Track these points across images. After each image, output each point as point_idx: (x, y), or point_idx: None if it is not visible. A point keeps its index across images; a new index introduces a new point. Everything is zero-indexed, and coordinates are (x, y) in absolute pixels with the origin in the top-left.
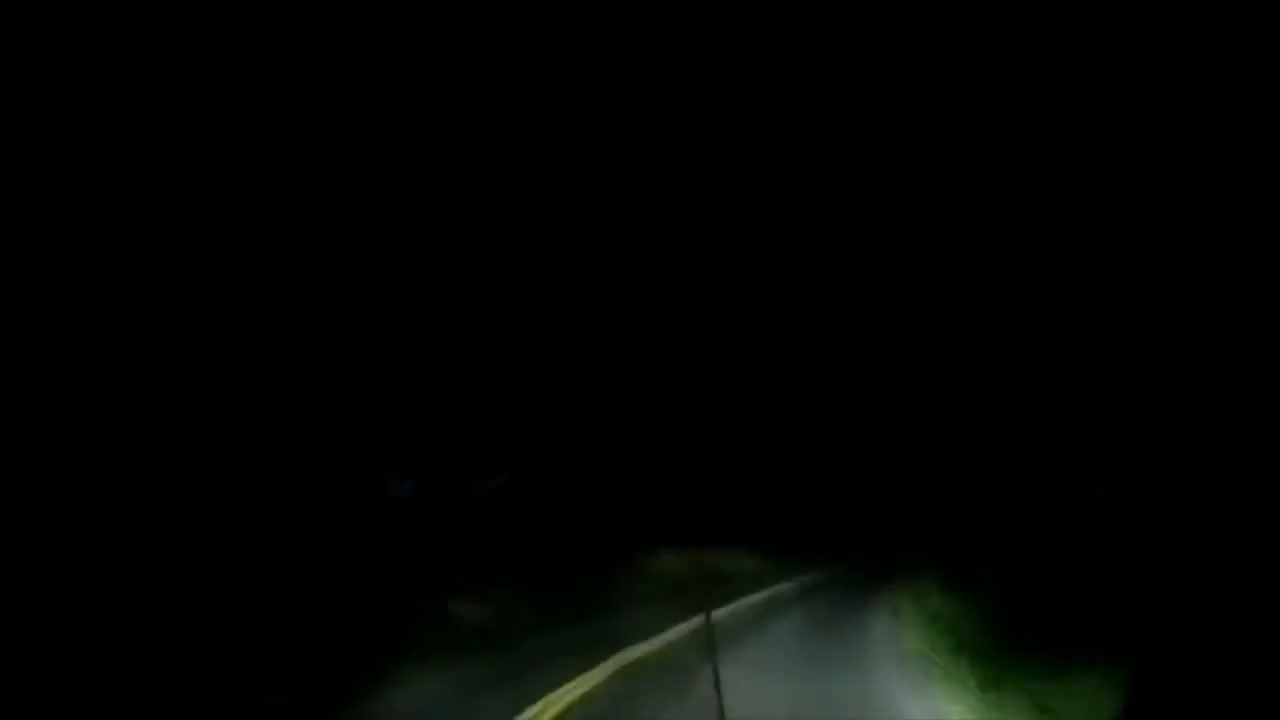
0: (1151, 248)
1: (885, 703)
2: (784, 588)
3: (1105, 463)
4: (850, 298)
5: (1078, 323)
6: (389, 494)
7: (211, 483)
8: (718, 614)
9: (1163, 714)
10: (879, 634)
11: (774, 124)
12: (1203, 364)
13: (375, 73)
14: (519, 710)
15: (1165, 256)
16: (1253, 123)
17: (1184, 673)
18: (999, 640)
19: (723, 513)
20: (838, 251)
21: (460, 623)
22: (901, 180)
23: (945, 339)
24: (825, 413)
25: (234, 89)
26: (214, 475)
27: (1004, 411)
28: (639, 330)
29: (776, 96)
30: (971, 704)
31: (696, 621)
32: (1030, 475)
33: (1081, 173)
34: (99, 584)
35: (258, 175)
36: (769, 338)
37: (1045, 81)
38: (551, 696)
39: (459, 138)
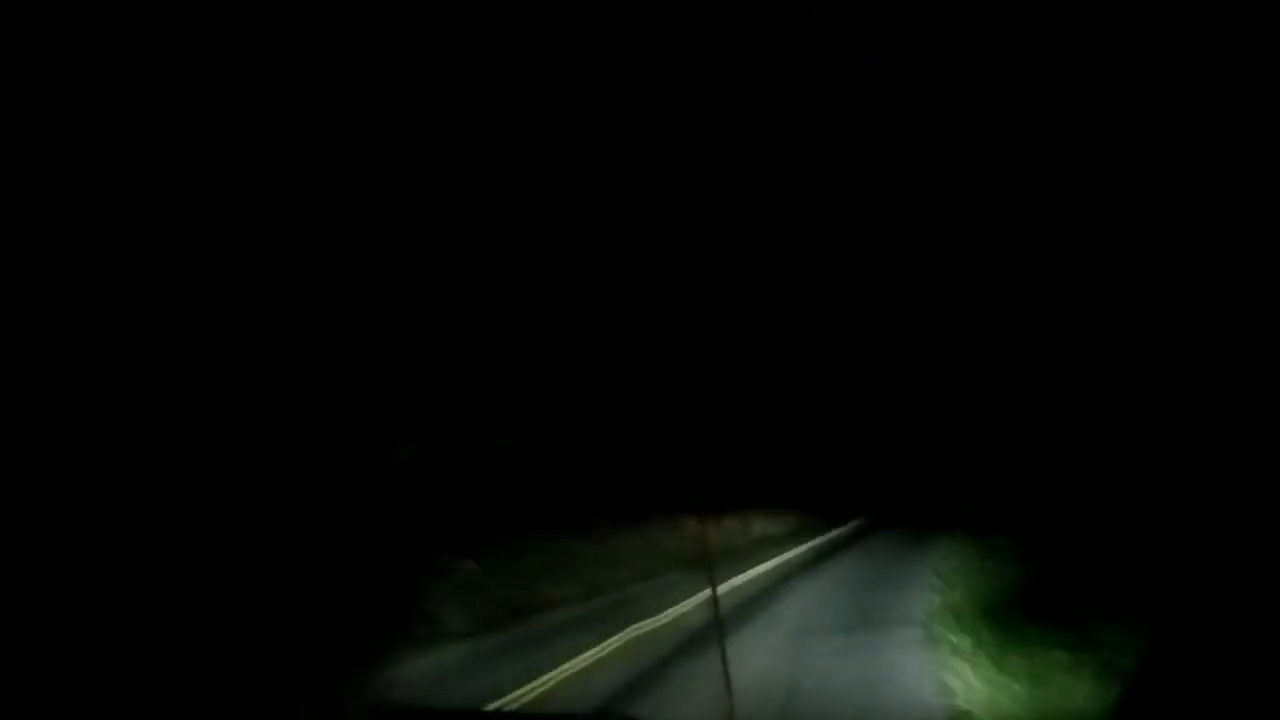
0: (1151, 248)
1: (894, 673)
2: (798, 554)
3: (1105, 463)
4: (850, 298)
5: (1078, 323)
6: (397, 459)
7: (211, 480)
8: (738, 580)
9: (1163, 712)
10: (892, 601)
11: (774, 124)
12: (1203, 364)
13: (375, 73)
14: (528, 680)
15: (1165, 256)
16: (1253, 123)
17: (1183, 671)
18: (1011, 613)
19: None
20: (838, 251)
21: (473, 595)
22: (901, 180)
23: (945, 339)
24: (825, 413)
25: (234, 89)
26: (214, 473)
27: (1004, 411)
28: (638, 330)
29: (776, 96)
30: (978, 675)
31: (719, 590)
32: (1030, 475)
33: (1081, 173)
34: (99, 584)
35: (257, 174)
36: (769, 338)
37: (1045, 81)
38: (565, 665)
39: (459, 138)
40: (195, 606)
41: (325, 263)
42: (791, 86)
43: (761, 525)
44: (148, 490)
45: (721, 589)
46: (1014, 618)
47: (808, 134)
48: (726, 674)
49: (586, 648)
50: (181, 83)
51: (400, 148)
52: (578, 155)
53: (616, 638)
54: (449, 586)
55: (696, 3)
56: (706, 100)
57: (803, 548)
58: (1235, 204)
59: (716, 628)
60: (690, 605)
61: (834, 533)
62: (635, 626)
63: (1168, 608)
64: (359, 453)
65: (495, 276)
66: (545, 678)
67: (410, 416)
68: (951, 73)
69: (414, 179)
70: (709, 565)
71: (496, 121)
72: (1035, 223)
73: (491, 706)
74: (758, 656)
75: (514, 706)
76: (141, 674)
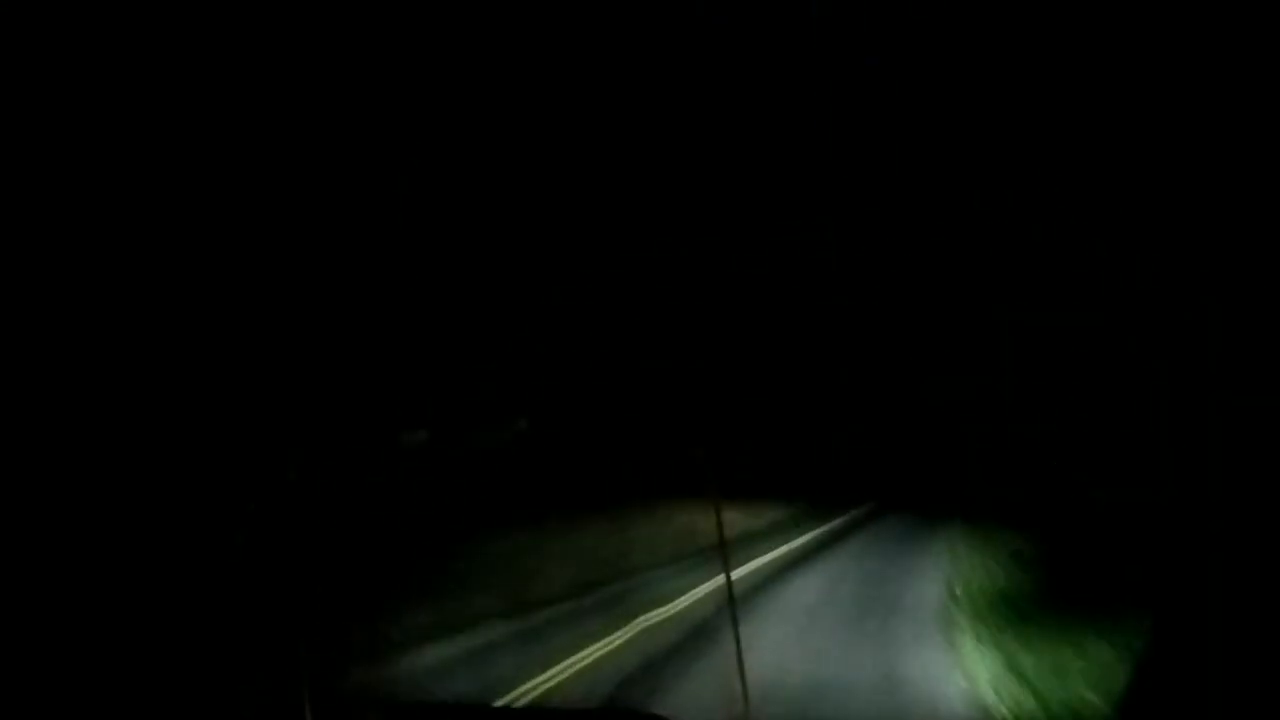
0: (1151, 248)
1: (907, 662)
2: (805, 541)
3: (1105, 463)
4: (850, 298)
5: (1078, 323)
6: (403, 448)
7: (213, 472)
8: (739, 571)
9: (1162, 712)
10: (905, 589)
11: (774, 124)
12: (1203, 364)
13: (375, 73)
14: (538, 673)
15: (1165, 256)
16: (1253, 123)
17: (1184, 671)
18: (1021, 608)
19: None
20: (838, 251)
21: (480, 585)
22: (901, 180)
23: (945, 339)
24: (825, 413)
25: (234, 89)
26: (215, 473)
27: (1004, 411)
28: (638, 329)
29: (776, 96)
30: (991, 670)
31: (718, 581)
32: (1030, 475)
33: (1081, 172)
34: (98, 584)
35: (259, 178)
36: (769, 338)
37: (1045, 81)
38: (572, 658)
39: (459, 138)
40: (197, 603)
41: (327, 267)
42: (791, 86)
43: (762, 516)
44: (151, 491)
45: (725, 576)
46: (1023, 615)
47: (808, 134)
48: (741, 666)
49: (596, 639)
50: (182, 86)
51: (405, 151)
52: (579, 156)
53: (626, 629)
54: (453, 579)
55: (696, 3)
56: (707, 100)
57: (805, 537)
58: (1235, 204)
59: (731, 616)
60: (700, 594)
61: (831, 525)
62: (645, 617)
63: (1168, 607)
64: (361, 450)
65: (507, 273)
66: (553, 670)
67: (411, 413)
68: (951, 73)
69: (415, 181)
70: (724, 553)
71: (498, 123)
72: (1035, 223)
73: (500, 702)
74: (769, 647)
75: (523, 701)
76: (145, 670)
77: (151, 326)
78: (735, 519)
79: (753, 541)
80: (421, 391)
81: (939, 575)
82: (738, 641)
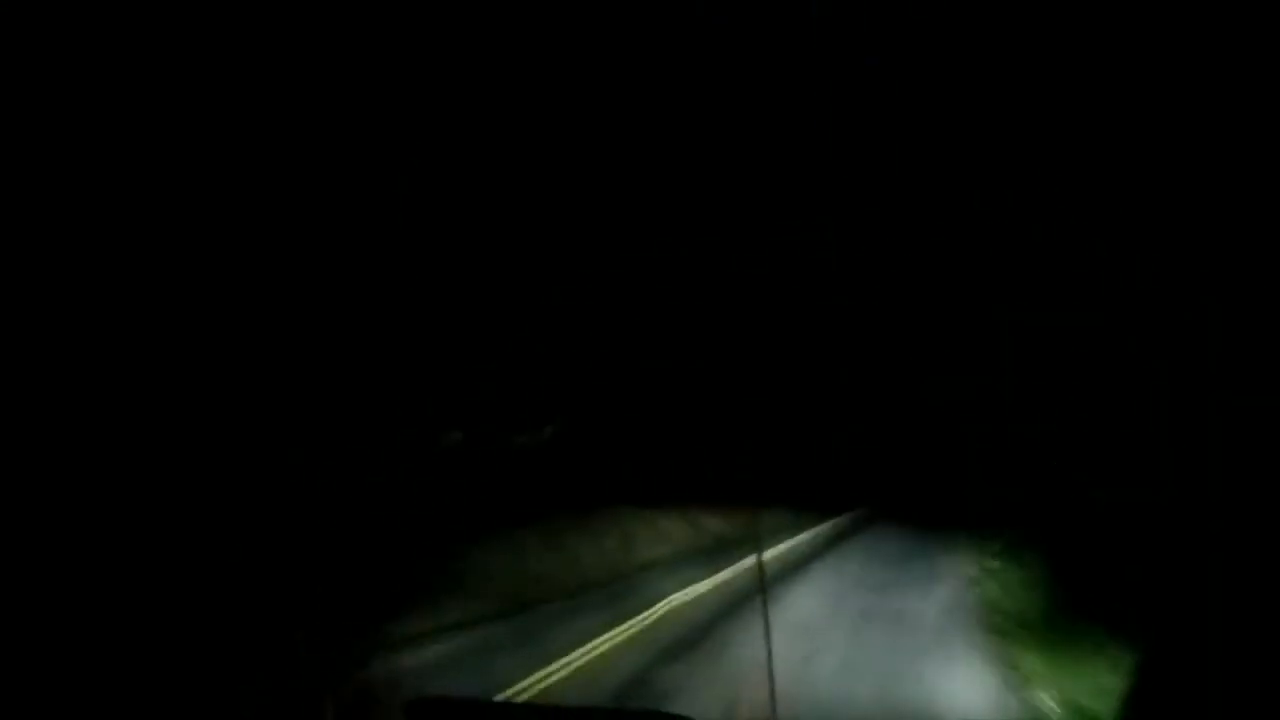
0: (1151, 248)
1: (929, 667)
2: (805, 542)
3: (1105, 463)
4: (850, 298)
5: (1078, 323)
6: (435, 446)
7: (215, 472)
8: (730, 573)
9: (1163, 712)
10: (908, 598)
11: (774, 124)
12: (1203, 364)
13: (375, 73)
14: (539, 668)
15: (1165, 256)
16: (1253, 123)
17: (1184, 671)
18: (1023, 613)
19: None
20: (838, 251)
21: (485, 582)
22: (901, 180)
23: (945, 339)
24: (825, 412)
25: (235, 89)
26: (217, 472)
27: (1004, 411)
28: (638, 329)
29: (776, 96)
30: (998, 676)
31: (722, 579)
32: (1030, 475)
33: (1081, 173)
34: (100, 584)
35: (263, 174)
36: (769, 338)
37: (1045, 81)
38: (573, 655)
39: (459, 138)
40: (202, 600)
41: (328, 267)
42: (791, 86)
43: (763, 516)
44: (152, 491)
45: (726, 575)
46: (1025, 620)
47: (808, 134)
48: (770, 666)
49: (597, 635)
50: (182, 86)
51: (405, 151)
52: (580, 156)
53: (626, 626)
54: (469, 570)
55: (696, 3)
56: (707, 100)
57: (805, 535)
58: (1235, 204)
59: (764, 618)
60: (696, 594)
61: (834, 521)
62: (642, 615)
63: (1169, 608)
64: (374, 445)
65: (507, 273)
66: (556, 664)
67: (411, 414)
68: (951, 73)
69: (415, 181)
70: (759, 548)
71: (498, 123)
72: (1035, 223)
73: (501, 697)
74: (790, 636)
75: (524, 696)
76: (147, 671)
77: (155, 327)
78: (735, 520)
79: (754, 542)
80: (421, 392)
81: (942, 583)
82: (768, 642)
